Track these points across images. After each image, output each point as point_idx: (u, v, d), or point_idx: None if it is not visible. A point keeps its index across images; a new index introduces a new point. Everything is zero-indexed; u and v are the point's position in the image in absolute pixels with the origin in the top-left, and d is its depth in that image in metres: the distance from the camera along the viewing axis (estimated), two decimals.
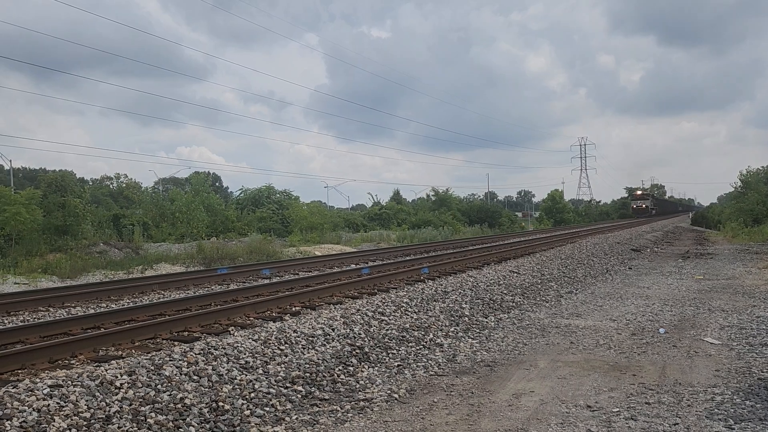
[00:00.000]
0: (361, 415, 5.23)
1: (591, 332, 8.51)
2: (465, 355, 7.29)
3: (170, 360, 5.53)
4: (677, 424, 4.80)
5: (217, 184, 71.54)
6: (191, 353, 5.77)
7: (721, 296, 11.64)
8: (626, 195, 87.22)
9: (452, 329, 8.54)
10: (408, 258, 18.51)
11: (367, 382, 6.14)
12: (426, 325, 8.41)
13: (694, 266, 17.56)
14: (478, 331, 8.68)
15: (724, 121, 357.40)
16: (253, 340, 6.46)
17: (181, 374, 5.30)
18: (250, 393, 5.35)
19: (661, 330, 8.53)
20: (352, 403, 5.51)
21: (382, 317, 8.26)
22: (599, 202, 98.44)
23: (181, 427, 4.59)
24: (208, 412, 4.90)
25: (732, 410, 5.08)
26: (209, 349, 5.97)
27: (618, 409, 5.18)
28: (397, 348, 7.35)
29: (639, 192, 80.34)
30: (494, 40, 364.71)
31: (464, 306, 9.74)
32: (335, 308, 8.67)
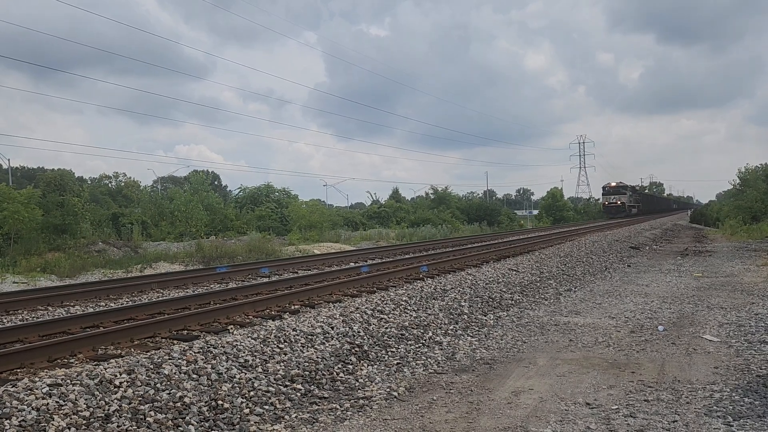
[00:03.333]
0: (360, 413, 5.23)
1: (590, 330, 8.52)
2: (464, 353, 7.29)
3: (169, 359, 5.53)
4: (676, 421, 4.80)
5: (215, 182, 71.54)
6: (190, 352, 5.77)
7: (719, 294, 11.65)
8: None
9: (451, 327, 8.54)
10: (407, 256, 18.51)
11: (367, 380, 6.14)
12: (425, 323, 8.42)
13: (693, 264, 17.58)
14: (477, 329, 8.68)
15: (724, 118, 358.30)
16: (252, 339, 6.46)
17: (180, 373, 5.30)
18: (249, 391, 5.35)
19: (660, 327, 8.54)
20: (352, 401, 5.52)
21: (382, 315, 8.27)
22: (598, 200, 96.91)
23: (180, 426, 4.59)
24: (207, 410, 4.90)
25: (731, 407, 5.09)
26: (208, 347, 5.97)
27: (617, 407, 5.19)
28: (396, 346, 7.35)
29: (613, 184, 62.22)
30: (494, 38, 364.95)
31: (463, 304, 9.75)
32: (334, 306, 8.67)
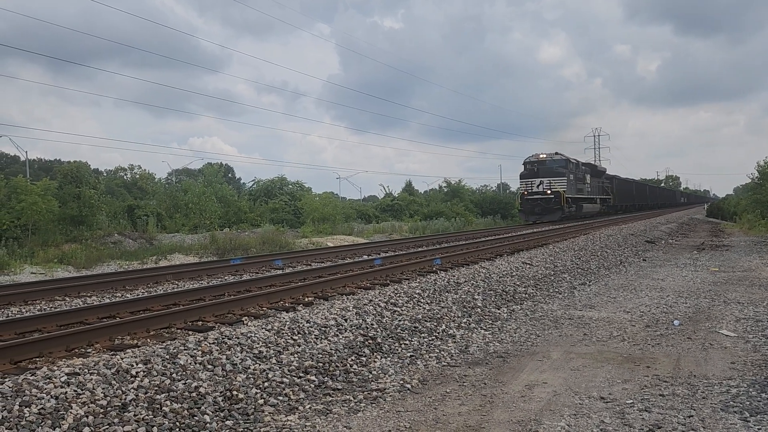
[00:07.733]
0: (373, 404, 5.25)
1: (604, 324, 8.46)
2: (477, 346, 7.29)
3: (185, 349, 5.59)
4: (692, 416, 4.76)
5: (229, 175, 71.73)
6: (205, 343, 5.82)
7: (736, 288, 11.51)
8: None
9: (465, 320, 8.53)
10: (420, 249, 18.49)
11: (380, 372, 6.16)
12: (438, 316, 8.41)
13: (710, 258, 17.39)
14: (490, 322, 8.66)
15: (743, 110, 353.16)
16: (266, 330, 6.50)
17: (195, 363, 5.35)
18: (263, 382, 5.39)
19: (676, 322, 8.46)
20: (365, 392, 5.54)
21: (395, 308, 8.27)
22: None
23: (195, 416, 4.64)
24: (222, 400, 4.94)
25: (747, 403, 5.03)
26: (223, 338, 6.02)
27: (632, 401, 5.16)
28: (409, 338, 7.36)
29: (542, 155, 34.41)
30: (508, 30, 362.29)
31: (477, 297, 9.73)
32: (348, 299, 8.69)
